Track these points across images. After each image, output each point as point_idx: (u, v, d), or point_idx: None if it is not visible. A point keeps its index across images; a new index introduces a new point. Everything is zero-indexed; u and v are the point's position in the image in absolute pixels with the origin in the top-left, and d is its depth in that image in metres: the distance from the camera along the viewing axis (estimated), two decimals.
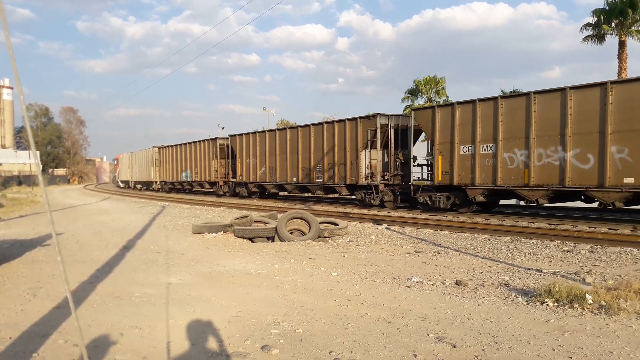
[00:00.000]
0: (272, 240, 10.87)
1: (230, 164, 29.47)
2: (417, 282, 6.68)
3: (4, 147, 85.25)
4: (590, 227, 11.49)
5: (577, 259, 8.23)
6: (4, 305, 5.62)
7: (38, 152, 75.37)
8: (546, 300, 5.41)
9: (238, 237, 11.06)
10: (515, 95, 15.67)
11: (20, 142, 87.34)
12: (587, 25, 32.46)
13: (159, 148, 40.06)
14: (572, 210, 16.40)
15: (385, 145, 19.06)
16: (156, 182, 40.49)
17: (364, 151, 19.20)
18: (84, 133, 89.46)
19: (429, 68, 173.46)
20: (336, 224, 11.87)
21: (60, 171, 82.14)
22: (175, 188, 37.73)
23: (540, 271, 7.27)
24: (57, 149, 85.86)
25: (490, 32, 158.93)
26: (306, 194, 25.99)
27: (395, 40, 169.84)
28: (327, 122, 21.34)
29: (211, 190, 32.35)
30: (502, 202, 17.09)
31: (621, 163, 11.76)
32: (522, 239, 10.39)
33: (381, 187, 18.64)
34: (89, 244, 10.66)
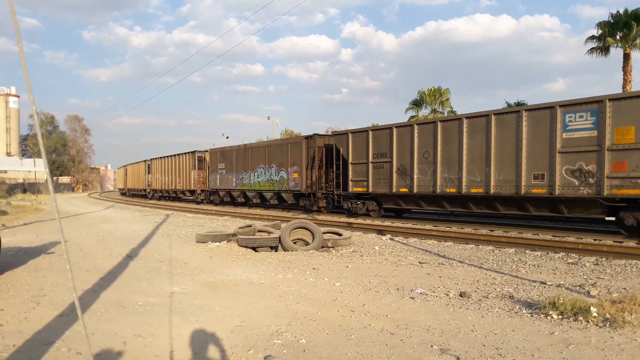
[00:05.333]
0: (276, 250, 10.87)
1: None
2: (421, 293, 6.66)
3: (9, 154, 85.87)
4: (595, 240, 11.44)
5: (582, 272, 8.19)
6: (7, 312, 5.63)
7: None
8: (550, 312, 5.38)
9: (241, 246, 11.07)
10: None
11: (25, 150, 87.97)
12: (592, 37, 32.58)
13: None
14: (577, 222, 16.20)
15: None
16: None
17: None
18: (88, 141, 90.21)
19: (432, 79, 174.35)
20: (340, 234, 11.86)
21: (64, 179, 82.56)
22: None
23: (545, 283, 7.23)
24: (62, 157, 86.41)
25: (494, 44, 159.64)
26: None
27: (399, 52, 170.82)
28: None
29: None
30: None
31: None
32: (527, 251, 10.34)
33: None
34: (92, 252, 10.68)
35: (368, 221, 17.55)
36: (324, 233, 11.49)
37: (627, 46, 31.13)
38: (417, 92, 44.40)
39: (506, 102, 35.92)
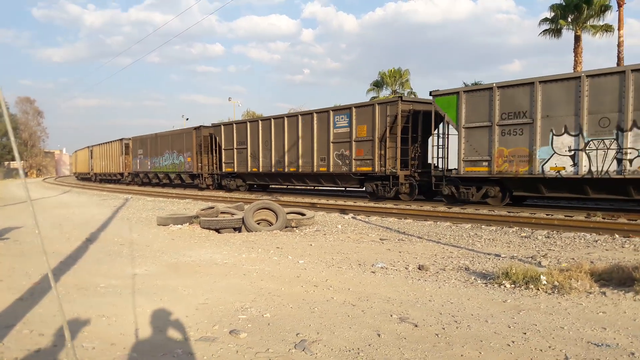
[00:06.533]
0: (240, 231, 10.88)
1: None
2: (382, 267, 6.86)
3: None
4: (547, 214, 11.98)
5: (534, 244, 8.59)
6: None
7: None
8: (504, 282, 5.66)
9: (204, 228, 11.02)
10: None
11: None
12: (545, 19, 33.50)
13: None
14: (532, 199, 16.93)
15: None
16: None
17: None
18: (42, 124, 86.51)
19: (393, 60, 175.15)
20: (303, 214, 11.97)
21: (16, 164, 79.10)
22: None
23: (499, 256, 7.57)
24: None
25: (453, 26, 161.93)
26: None
27: (360, 33, 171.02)
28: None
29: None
30: None
31: None
32: (483, 226, 10.74)
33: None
34: (49, 237, 10.40)
35: (331, 201, 17.80)
36: (287, 213, 11.57)
37: (577, 28, 32.17)
38: (377, 73, 44.78)
39: (464, 83, 36.61)
